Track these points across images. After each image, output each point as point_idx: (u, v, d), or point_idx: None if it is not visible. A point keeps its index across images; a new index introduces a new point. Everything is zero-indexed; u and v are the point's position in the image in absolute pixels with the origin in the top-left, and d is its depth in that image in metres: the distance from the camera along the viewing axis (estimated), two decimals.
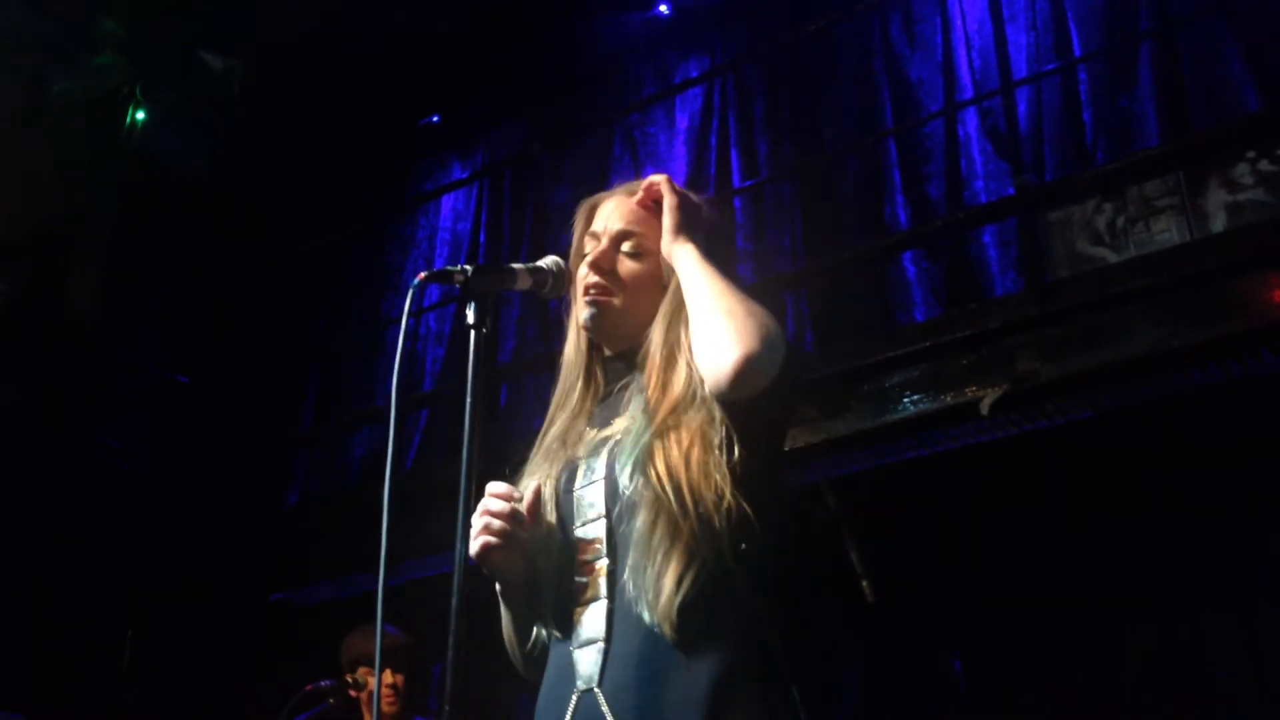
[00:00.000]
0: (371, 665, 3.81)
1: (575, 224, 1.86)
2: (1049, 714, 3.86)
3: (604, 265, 1.75)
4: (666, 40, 5.86)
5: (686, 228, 1.71)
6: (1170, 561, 3.76)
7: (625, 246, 1.77)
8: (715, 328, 1.57)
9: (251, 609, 5.31)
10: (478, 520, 1.60)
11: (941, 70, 4.80)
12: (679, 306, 1.71)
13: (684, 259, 1.69)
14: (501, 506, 1.61)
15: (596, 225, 1.81)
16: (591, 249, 1.77)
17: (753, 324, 1.55)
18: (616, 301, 1.74)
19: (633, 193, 1.83)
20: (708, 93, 5.46)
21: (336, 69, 6.21)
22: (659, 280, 1.76)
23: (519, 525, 1.62)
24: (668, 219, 1.72)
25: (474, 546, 1.58)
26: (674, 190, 1.75)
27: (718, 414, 1.59)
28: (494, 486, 1.63)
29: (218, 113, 5.69)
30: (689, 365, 1.65)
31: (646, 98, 5.60)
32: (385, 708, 3.71)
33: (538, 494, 1.67)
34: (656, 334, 1.72)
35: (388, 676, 3.76)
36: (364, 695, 3.79)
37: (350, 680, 3.79)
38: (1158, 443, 3.74)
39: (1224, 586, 3.71)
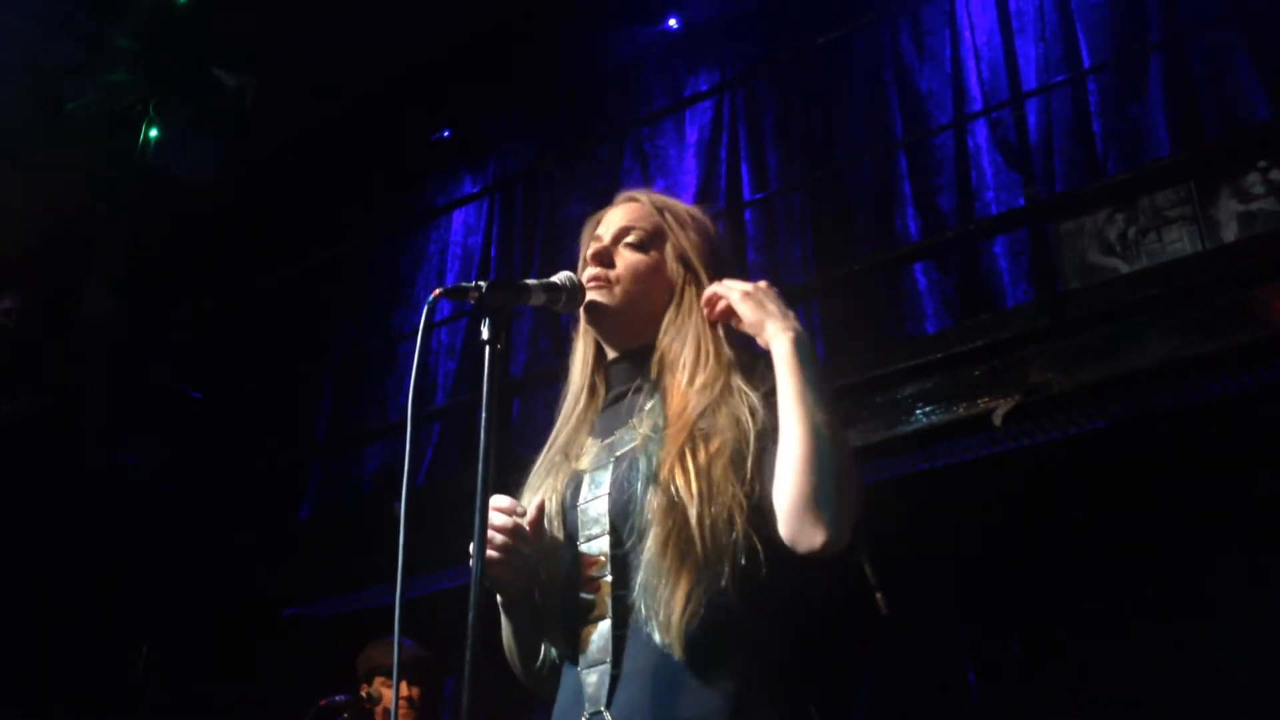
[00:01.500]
0: (387, 676, 3.81)
1: (582, 240, 1.86)
2: None
3: (604, 258, 1.76)
4: (676, 53, 5.88)
5: (770, 314, 1.60)
6: (1183, 571, 3.75)
7: (627, 239, 1.78)
8: (817, 492, 1.47)
9: (264, 623, 5.32)
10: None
11: (951, 82, 4.81)
12: (693, 306, 1.71)
13: (781, 360, 1.57)
14: (504, 521, 1.60)
15: (600, 230, 1.83)
16: (593, 246, 1.79)
17: (851, 496, 1.49)
18: (616, 290, 1.74)
19: (632, 199, 1.85)
20: (718, 106, 5.47)
21: (347, 83, 6.24)
22: (663, 275, 1.76)
23: (521, 540, 1.61)
24: (745, 311, 1.62)
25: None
26: (728, 286, 1.66)
27: (751, 436, 1.56)
28: (496, 500, 1.62)
29: (231, 128, 5.72)
30: (717, 365, 1.64)
31: (656, 111, 5.61)
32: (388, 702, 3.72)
33: (541, 509, 1.65)
34: (672, 333, 1.71)
35: (403, 689, 3.75)
36: (379, 709, 3.79)
37: (365, 694, 3.80)
38: (1171, 453, 3.73)
39: (1237, 595, 3.69)
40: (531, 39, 6.03)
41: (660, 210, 1.82)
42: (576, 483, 1.70)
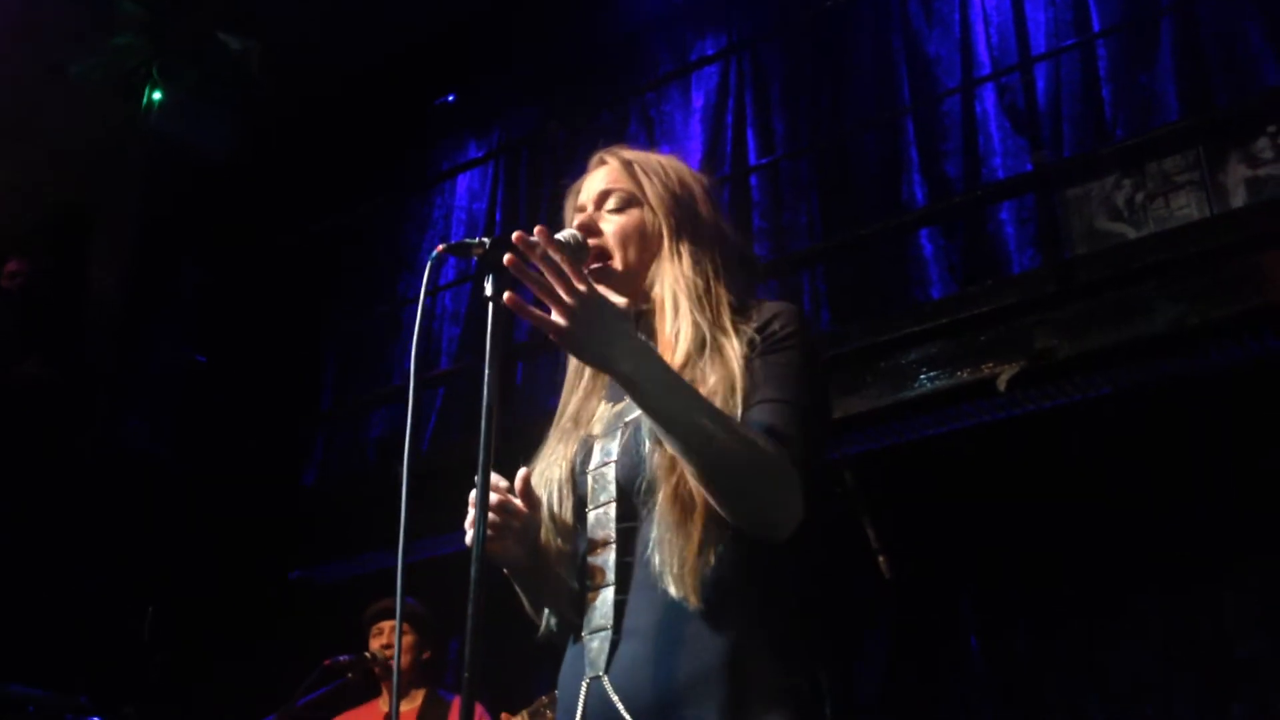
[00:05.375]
0: (387, 618, 3.95)
1: (565, 212, 1.84)
2: (1067, 692, 3.86)
3: (593, 229, 1.74)
4: (683, 17, 5.83)
5: (596, 346, 1.46)
6: (1189, 539, 3.75)
7: (608, 204, 1.77)
8: (738, 500, 1.48)
9: (270, 587, 5.35)
10: (470, 513, 1.56)
11: (959, 47, 4.77)
12: (675, 255, 1.69)
13: (629, 392, 1.50)
14: (491, 499, 1.59)
15: (582, 199, 1.81)
16: (578, 219, 1.76)
17: (758, 478, 1.47)
18: (615, 261, 1.73)
19: (602, 161, 1.83)
20: (724, 70, 5.44)
21: (353, 49, 6.22)
22: (648, 231, 1.74)
23: (510, 515, 1.60)
24: (563, 344, 1.49)
25: (468, 539, 1.54)
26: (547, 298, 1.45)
27: (739, 377, 1.55)
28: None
29: (236, 93, 5.70)
30: (702, 310, 1.63)
31: (662, 76, 5.58)
32: (391, 661, 3.81)
33: (526, 480, 1.64)
34: (659, 286, 1.69)
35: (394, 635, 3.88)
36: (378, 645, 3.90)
37: (369, 655, 3.85)
38: (1177, 420, 3.73)
39: (1243, 564, 3.70)
40: (536, 2, 5.99)
41: (630, 165, 1.80)
42: (587, 449, 1.70)
